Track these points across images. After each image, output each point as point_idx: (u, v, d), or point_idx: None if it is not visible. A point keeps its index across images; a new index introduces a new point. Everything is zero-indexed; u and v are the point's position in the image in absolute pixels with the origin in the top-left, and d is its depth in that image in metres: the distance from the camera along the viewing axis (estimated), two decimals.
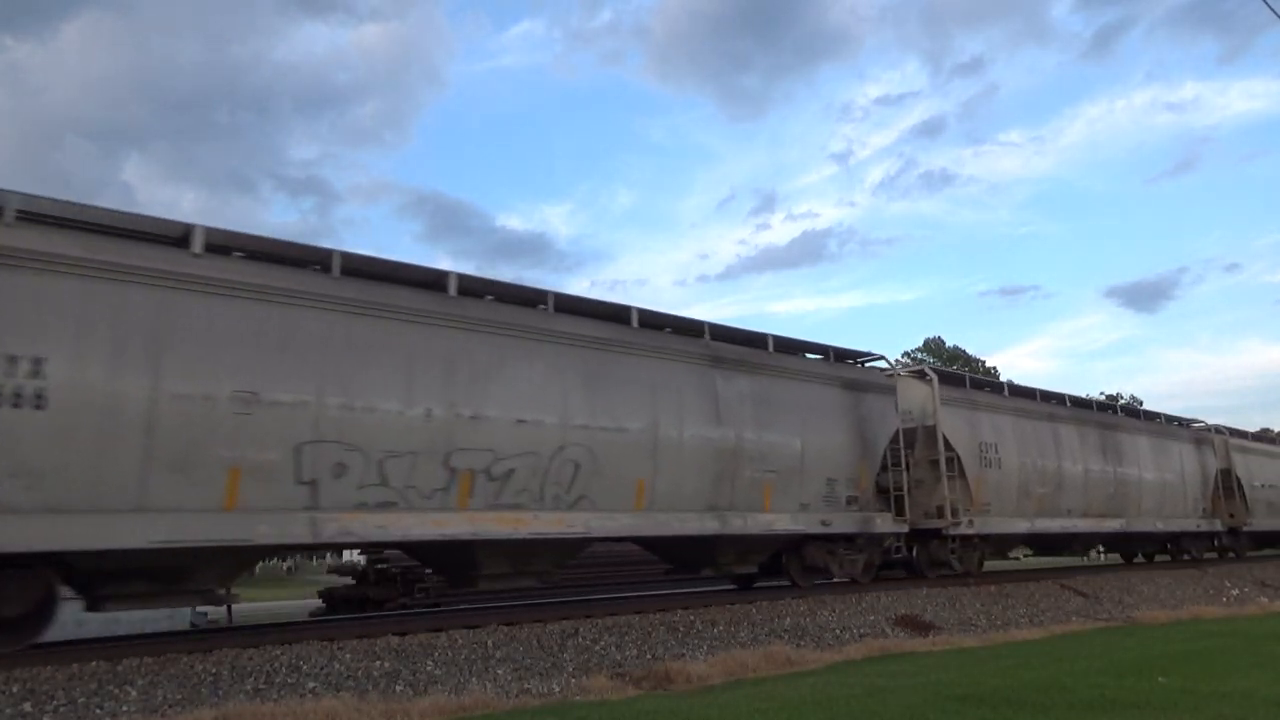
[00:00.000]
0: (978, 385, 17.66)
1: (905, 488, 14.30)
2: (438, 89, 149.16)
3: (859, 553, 13.98)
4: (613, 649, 9.42)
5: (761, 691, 7.31)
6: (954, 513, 15.07)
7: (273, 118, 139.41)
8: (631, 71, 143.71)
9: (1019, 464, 17.03)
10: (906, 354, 55.39)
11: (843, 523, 13.29)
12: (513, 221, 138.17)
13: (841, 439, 13.60)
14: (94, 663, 7.20)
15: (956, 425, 15.87)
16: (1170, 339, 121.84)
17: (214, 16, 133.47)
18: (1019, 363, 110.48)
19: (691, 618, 10.84)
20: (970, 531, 15.73)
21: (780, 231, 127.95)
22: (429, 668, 8.15)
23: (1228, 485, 23.97)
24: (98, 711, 6.50)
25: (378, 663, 8.07)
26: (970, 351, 61.25)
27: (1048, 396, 19.10)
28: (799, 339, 14.26)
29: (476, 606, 12.74)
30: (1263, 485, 25.88)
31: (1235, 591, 18.65)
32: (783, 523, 12.44)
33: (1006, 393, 18.26)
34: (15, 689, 6.57)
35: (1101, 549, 26.34)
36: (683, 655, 9.47)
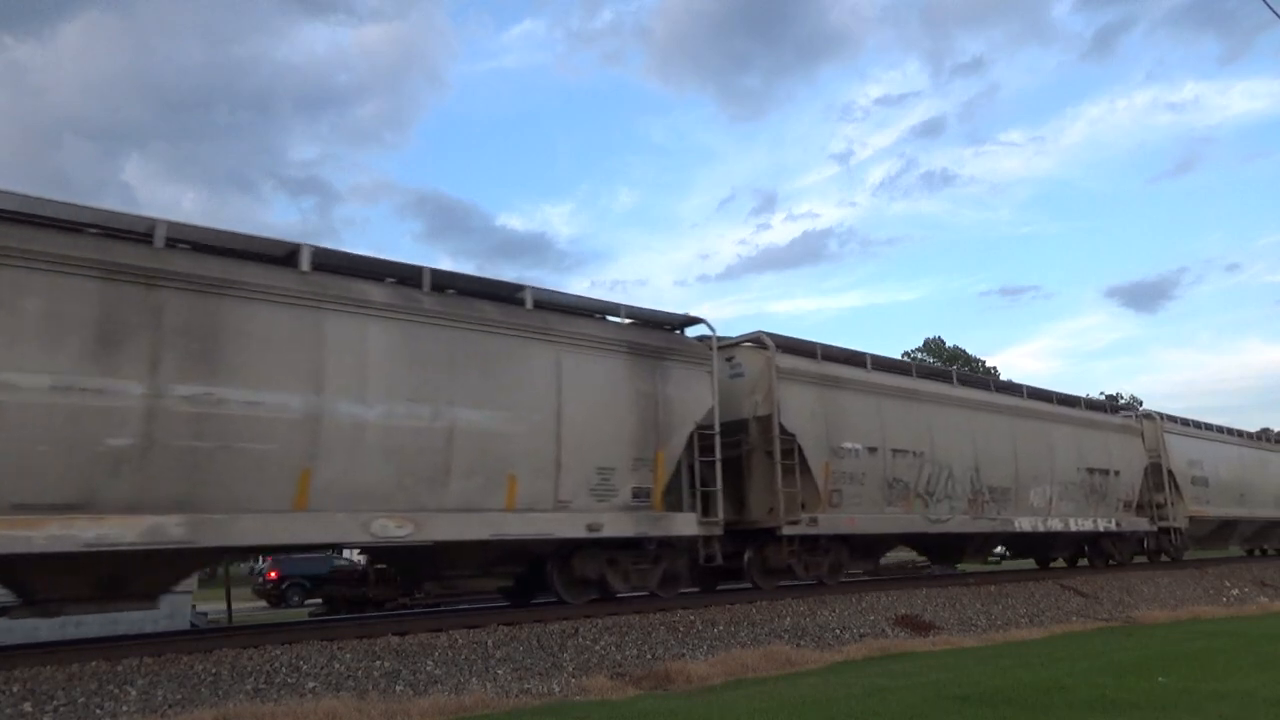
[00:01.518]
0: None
1: None
2: (439, 89, 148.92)
3: None
4: (613, 649, 9.42)
5: (761, 691, 7.32)
6: None
7: (273, 118, 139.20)
8: (633, 72, 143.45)
9: None
10: (907, 353, 54.78)
11: None
12: (513, 221, 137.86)
13: None
14: (94, 663, 7.20)
15: None
16: (1170, 339, 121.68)
17: (214, 16, 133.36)
18: (1019, 362, 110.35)
19: (691, 618, 10.84)
20: None
21: (781, 231, 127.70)
22: (429, 668, 8.15)
23: (768, 444, 12.18)
24: (98, 711, 6.51)
25: (378, 663, 8.07)
26: (971, 351, 61.42)
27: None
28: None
29: (476, 606, 12.74)
30: (855, 450, 13.03)
31: (1235, 591, 18.64)
32: None
33: None
34: (15, 689, 6.57)
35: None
36: (683, 655, 9.47)
